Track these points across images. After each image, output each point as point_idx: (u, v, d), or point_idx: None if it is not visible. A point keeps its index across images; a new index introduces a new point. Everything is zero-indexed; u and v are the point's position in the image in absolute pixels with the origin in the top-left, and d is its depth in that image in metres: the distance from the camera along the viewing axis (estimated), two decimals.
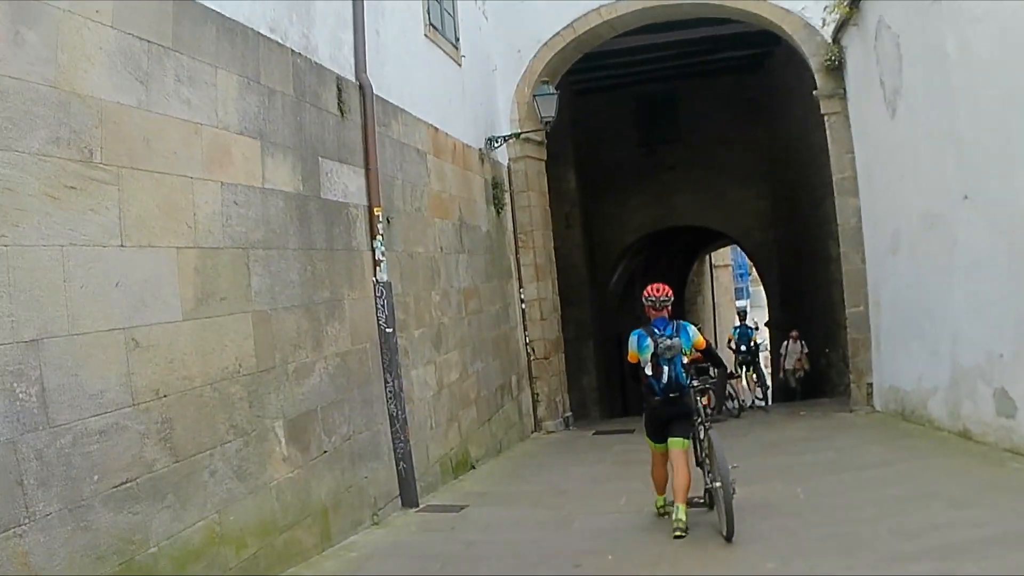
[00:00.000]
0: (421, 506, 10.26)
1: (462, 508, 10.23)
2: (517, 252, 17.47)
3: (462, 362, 13.17)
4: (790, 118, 22.58)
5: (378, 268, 10.13)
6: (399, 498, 10.07)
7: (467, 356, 13.48)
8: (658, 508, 8.68)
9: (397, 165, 11.44)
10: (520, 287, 17.41)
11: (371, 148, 10.32)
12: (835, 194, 16.11)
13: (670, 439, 8.04)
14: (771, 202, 26.80)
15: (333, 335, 9.00)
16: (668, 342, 7.87)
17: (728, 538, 7.39)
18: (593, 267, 26.41)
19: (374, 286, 10.07)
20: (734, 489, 7.44)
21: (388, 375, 10.04)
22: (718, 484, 7.55)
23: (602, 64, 23.50)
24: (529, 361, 17.44)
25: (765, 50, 24.17)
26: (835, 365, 19.69)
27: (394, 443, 10.08)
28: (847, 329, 16.18)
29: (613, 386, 27.67)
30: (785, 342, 19.56)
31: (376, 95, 10.68)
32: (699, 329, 8.52)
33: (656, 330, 8.00)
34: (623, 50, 22.07)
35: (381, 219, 10.26)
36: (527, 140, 17.75)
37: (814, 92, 16.35)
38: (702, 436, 8.25)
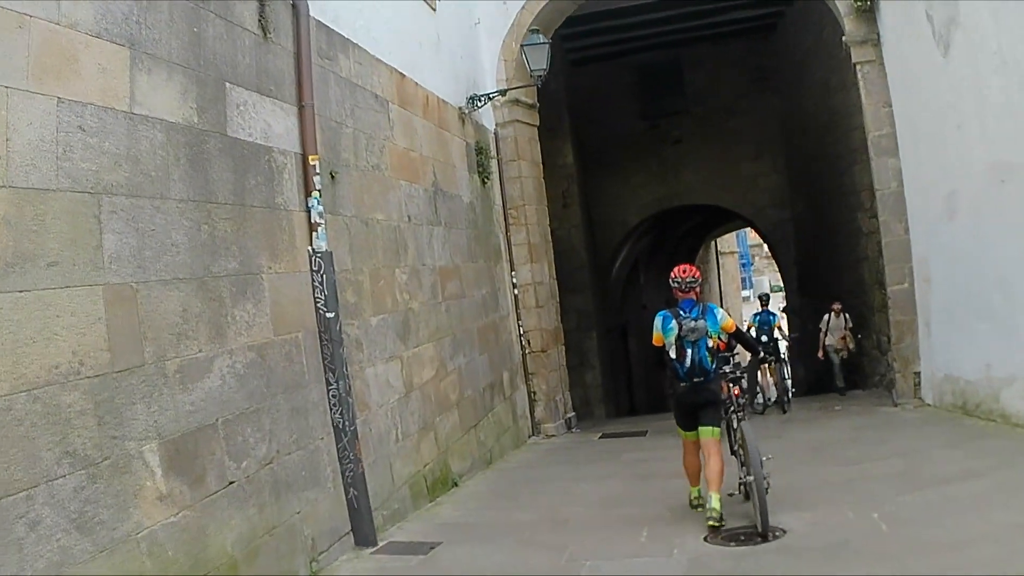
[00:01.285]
0: (380, 544, 7.88)
1: (433, 547, 7.79)
2: (507, 230, 15.08)
3: (438, 357, 10.74)
4: (807, 82, 20.25)
5: (315, 234, 7.69)
6: (351, 534, 7.67)
7: (445, 349, 11.06)
8: (692, 501, 8.30)
9: (346, 110, 9.03)
10: (512, 270, 14.99)
11: (306, 81, 7.91)
12: (871, 155, 13.88)
13: (700, 428, 7.78)
14: (787, 176, 24.40)
15: (244, 321, 6.58)
16: (692, 324, 7.57)
17: (763, 534, 7.04)
18: (594, 251, 24.07)
19: (310, 257, 7.65)
20: (768, 483, 7.24)
21: (331, 375, 7.62)
22: (751, 478, 7.28)
23: (599, 27, 21.28)
24: (524, 355, 15.03)
25: (776, 9, 22.01)
26: (868, 353, 17.33)
27: (341, 464, 7.67)
28: (888, 311, 13.96)
29: (619, 382, 25.35)
30: (826, 316, 16.79)
31: (317, 20, 8.40)
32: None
33: (682, 312, 7.69)
34: (623, 10, 20.04)
35: (319, 171, 7.83)
36: (516, 103, 15.37)
37: (843, 38, 13.95)
38: (735, 426, 8.06)
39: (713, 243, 43.68)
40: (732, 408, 8.08)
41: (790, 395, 16.10)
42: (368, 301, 8.78)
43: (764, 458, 7.36)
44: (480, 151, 14.04)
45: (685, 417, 7.96)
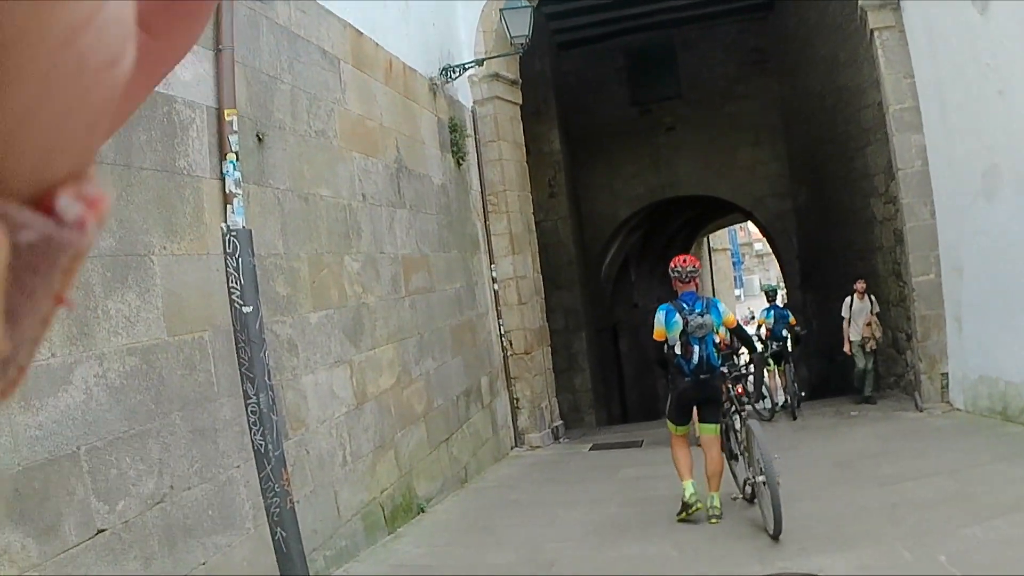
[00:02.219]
0: None
1: None
2: (486, 217, 13.49)
3: (400, 361, 9.15)
4: (811, 61, 18.73)
5: (230, 207, 6.08)
6: None
7: (409, 352, 9.47)
8: (687, 501, 7.63)
9: (283, 63, 7.42)
10: (491, 262, 13.40)
11: (225, 19, 6.29)
12: (891, 132, 12.48)
13: (701, 425, 7.72)
14: (788, 164, 22.85)
15: (123, 316, 4.98)
16: (700, 319, 7.39)
17: (775, 536, 6.70)
18: (583, 245, 22.48)
19: (223, 236, 6.03)
20: (778, 481, 6.77)
21: (249, 385, 6.01)
22: (762, 478, 6.94)
23: (587, 5, 19.81)
24: (505, 357, 13.44)
25: None
26: (882, 351, 15.78)
27: (265, 497, 6.07)
28: (910, 305, 12.49)
29: (611, 386, 23.72)
30: (847, 300, 14.45)
31: None
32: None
33: (685, 305, 7.50)
34: None
35: (237, 129, 6.21)
36: (496, 77, 13.78)
37: (859, 3, 12.53)
38: (737, 426, 7.85)
39: (706, 240, 42.25)
40: (734, 408, 7.93)
41: (800, 399, 14.47)
42: (306, 293, 7.18)
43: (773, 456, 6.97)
44: (454, 129, 12.46)
45: (682, 412, 7.81)
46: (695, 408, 7.78)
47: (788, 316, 15.03)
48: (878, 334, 14.32)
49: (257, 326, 6.03)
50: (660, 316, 7.60)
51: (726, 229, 48.84)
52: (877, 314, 14.27)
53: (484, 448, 11.84)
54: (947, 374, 12.03)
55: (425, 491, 9.28)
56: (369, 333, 8.34)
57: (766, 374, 15.17)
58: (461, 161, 12.61)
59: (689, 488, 7.65)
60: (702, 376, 7.48)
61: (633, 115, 24.10)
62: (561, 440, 14.23)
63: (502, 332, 13.38)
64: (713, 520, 7.41)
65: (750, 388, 14.97)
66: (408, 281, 9.64)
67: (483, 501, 9.83)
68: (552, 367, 14.82)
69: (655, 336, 7.67)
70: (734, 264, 63.65)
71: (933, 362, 12.11)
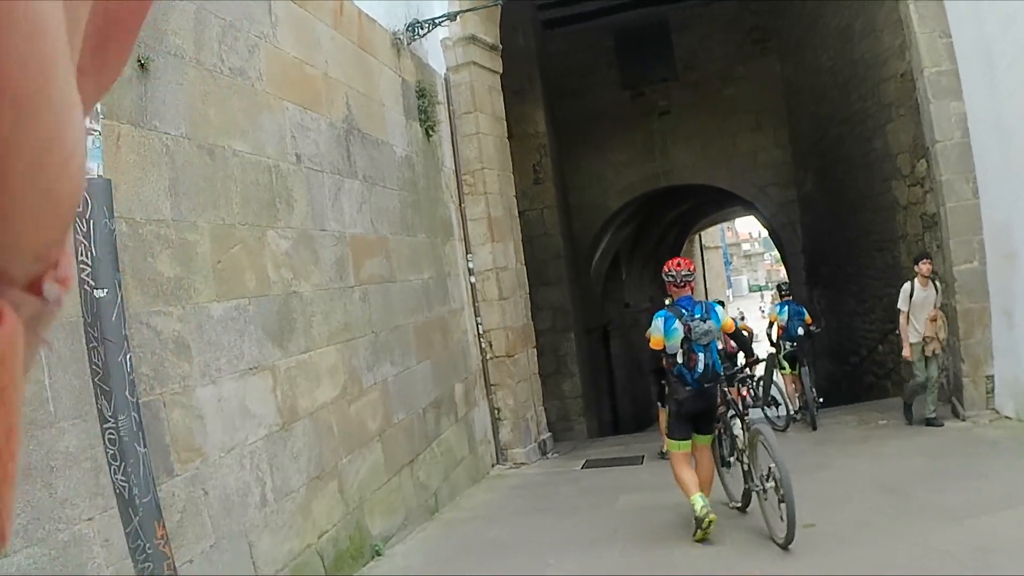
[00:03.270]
0: None
1: None
2: (461, 199, 11.72)
3: (346, 366, 7.32)
4: (821, 36, 17.06)
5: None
6: None
7: (360, 355, 7.64)
8: (699, 516, 6.95)
9: None
10: (467, 251, 11.61)
11: None
12: (926, 100, 10.80)
13: (696, 436, 7.33)
14: (792, 150, 21.18)
15: None
16: (704, 326, 7.04)
17: (786, 545, 6.34)
18: (571, 238, 20.74)
19: None
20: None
21: (106, 402, 4.19)
22: (771, 484, 6.62)
23: None
24: (484, 361, 11.66)
25: None
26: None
27: (134, 558, 4.24)
28: (953, 297, 10.83)
29: (601, 391, 21.95)
30: (906, 286, 10.91)
31: None
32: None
33: (684, 311, 7.12)
34: None
35: None
36: (473, 40, 12.03)
37: None
38: (736, 431, 7.55)
39: (698, 237, 40.87)
40: (731, 412, 7.65)
41: (818, 407, 12.64)
42: (206, 276, 5.36)
43: None
44: (423, 94, 10.68)
45: (686, 425, 7.31)
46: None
47: (804, 313, 13.21)
48: (943, 334, 10.79)
49: (115, 317, 4.21)
50: (658, 323, 7.24)
51: (718, 227, 47.63)
52: (942, 307, 10.97)
53: (459, 469, 10.06)
54: (993, 377, 10.41)
55: (382, 528, 7.49)
56: (302, 331, 6.52)
57: (780, 379, 13.35)
58: (431, 132, 10.84)
59: (699, 502, 7.08)
60: (706, 385, 7.14)
61: (625, 99, 22.54)
62: (549, 455, 12.47)
63: (480, 332, 11.60)
64: (711, 518, 6.89)
65: (754, 391, 13.47)
66: (359, 268, 7.83)
67: (455, 540, 7.99)
68: (538, 371, 13.00)
69: (652, 345, 7.33)
70: (724, 264, 62.56)
71: (977, 363, 10.47)
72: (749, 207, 24.88)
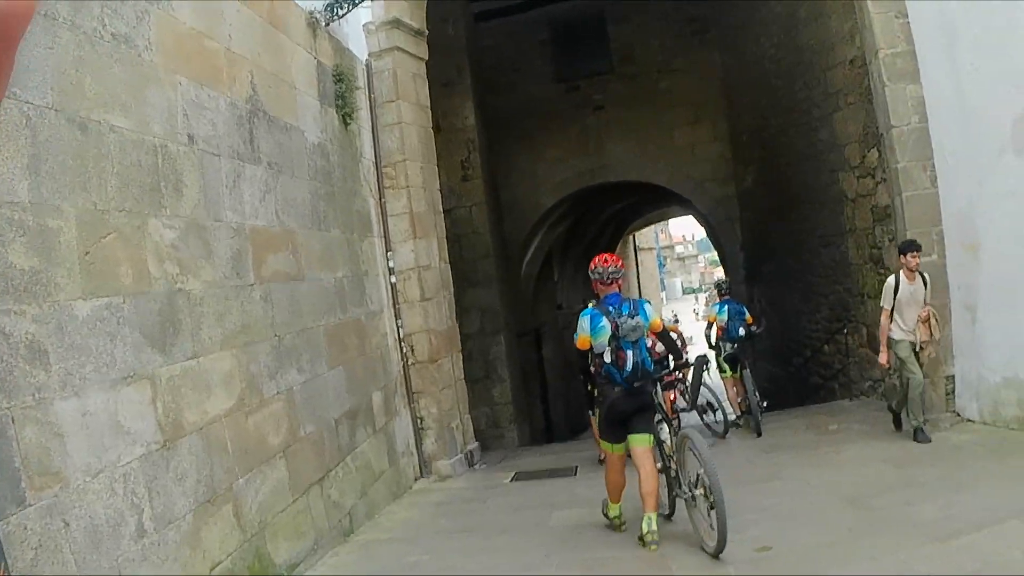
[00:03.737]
0: None
1: None
2: (382, 194, 11.09)
3: (244, 374, 6.64)
4: (762, 23, 16.79)
5: None
6: None
7: (261, 361, 6.96)
8: (612, 518, 7.52)
9: None
10: (387, 249, 10.98)
11: None
12: (881, 84, 10.40)
13: (632, 436, 7.08)
14: (731, 144, 20.95)
15: None
16: (631, 322, 6.92)
17: (717, 554, 6.19)
18: (502, 237, 20.24)
19: None
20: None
21: None
22: (700, 491, 6.47)
23: None
24: (406, 367, 11.04)
25: None
26: (852, 352, 13.71)
27: None
28: None
29: (533, 397, 21.41)
30: (891, 280, 9.75)
31: None
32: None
33: (611, 308, 7.01)
34: None
35: None
36: (397, 25, 11.46)
37: None
38: (664, 436, 7.48)
39: (632, 237, 40.57)
40: (662, 418, 7.65)
41: (762, 411, 12.18)
42: (71, 269, 4.66)
43: None
44: (341, 79, 10.04)
45: (617, 426, 7.18)
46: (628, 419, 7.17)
47: (745, 312, 12.77)
48: (939, 334, 9.65)
49: None
50: (584, 322, 7.14)
51: (652, 228, 47.35)
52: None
53: (378, 484, 9.43)
54: (954, 377, 10.04)
55: (288, 555, 6.83)
56: (189, 334, 5.83)
57: (723, 383, 12.88)
58: (349, 120, 10.19)
59: (615, 510, 7.49)
60: (636, 384, 6.97)
61: (558, 93, 22.11)
62: (477, 467, 11.90)
63: (401, 335, 10.98)
64: (652, 547, 6.76)
65: (682, 395, 12.98)
66: (261, 263, 7.16)
67: (371, 565, 7.32)
68: (465, 377, 12.41)
69: (579, 344, 7.26)
70: (658, 266, 62.54)
71: (936, 363, 10.06)
72: (686, 205, 24.51)
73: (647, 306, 7.22)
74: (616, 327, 6.91)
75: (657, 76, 21.38)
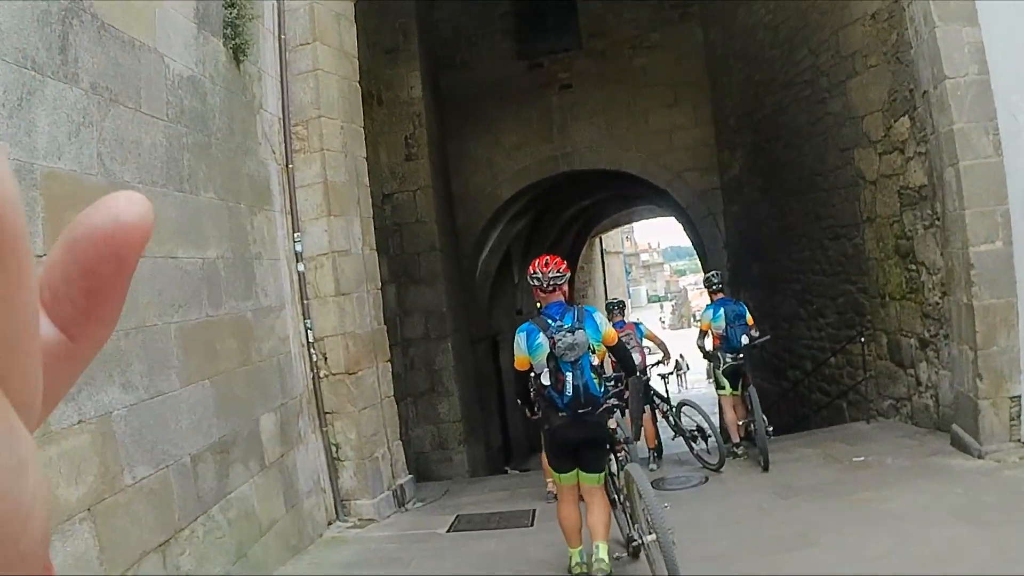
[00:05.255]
0: None
1: None
2: (289, 158, 8.74)
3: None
4: None
5: None
6: None
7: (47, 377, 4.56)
8: (573, 568, 6.39)
9: None
10: (295, 229, 8.62)
11: None
12: (929, 24, 8.30)
13: (583, 474, 6.17)
14: (716, 129, 18.73)
15: None
16: (570, 338, 5.94)
17: None
18: (454, 233, 17.98)
19: None
20: (673, 540, 5.56)
21: None
22: (652, 537, 5.72)
23: None
24: (316, 380, 8.65)
25: None
26: (871, 365, 11.49)
27: None
28: (970, 289, 8.23)
29: (490, 411, 19.17)
30: None
31: None
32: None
33: (551, 321, 6.06)
34: None
35: None
36: None
37: None
38: (615, 469, 6.58)
39: (598, 241, 38.51)
40: (609, 448, 6.52)
41: (769, 439, 9.88)
42: None
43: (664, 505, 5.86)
44: (232, 3, 7.70)
45: (564, 457, 6.17)
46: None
47: (745, 313, 10.44)
48: None
49: None
50: (520, 339, 6.22)
51: (619, 232, 45.43)
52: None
53: (268, 538, 7.06)
54: (1021, 398, 7.94)
55: None
56: None
57: (720, 402, 10.57)
58: (242, 56, 7.87)
59: (576, 557, 6.41)
60: (580, 411, 6.01)
61: (519, 71, 19.86)
62: (409, 506, 9.56)
63: (311, 339, 8.61)
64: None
65: (674, 420, 10.79)
66: (60, 224, 4.79)
67: None
68: (393, 394, 9.99)
69: (516, 365, 6.29)
70: (624, 272, 60.81)
71: (999, 380, 8.04)
72: (659, 201, 22.36)
73: (597, 316, 6.25)
74: (554, 344, 5.98)
75: (631, 53, 19.22)
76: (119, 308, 0.38)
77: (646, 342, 11.09)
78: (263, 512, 7.12)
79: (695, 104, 18.86)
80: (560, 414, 6.05)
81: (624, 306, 11.91)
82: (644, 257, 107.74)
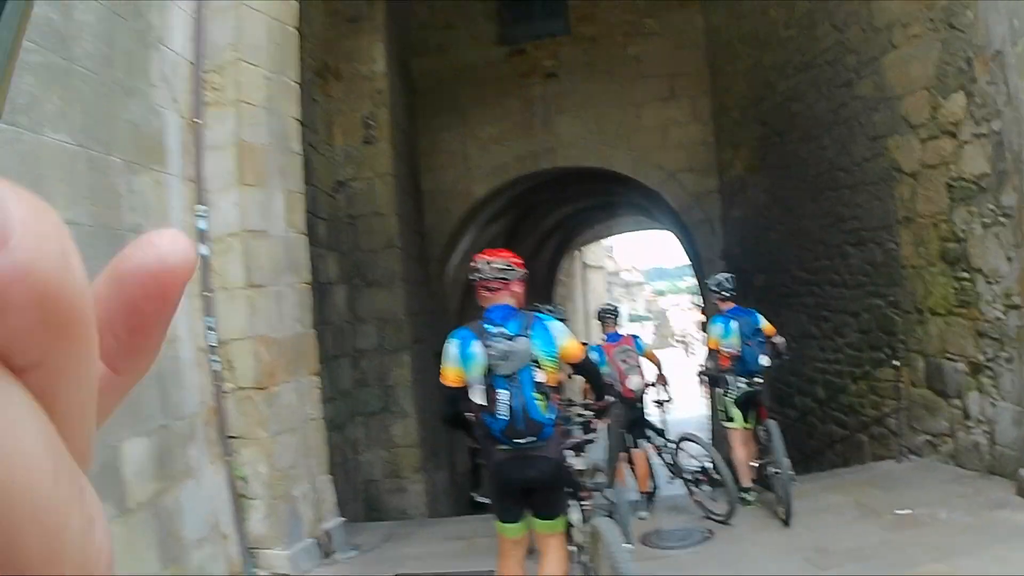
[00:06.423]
0: None
1: None
2: (197, 110, 6.95)
3: None
4: None
5: None
6: None
7: None
8: None
9: None
10: (197, 200, 6.82)
11: None
12: None
13: (536, 521, 5.07)
14: (717, 126, 17.28)
15: None
16: (506, 345, 4.78)
17: None
18: (420, 232, 16.32)
19: None
20: None
21: None
22: None
23: None
24: (218, 396, 6.82)
25: None
26: (905, 393, 9.73)
27: None
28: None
29: (455, 433, 17.26)
30: None
31: None
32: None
33: (490, 328, 4.90)
34: None
35: None
36: None
37: None
38: (575, 518, 5.33)
39: (578, 253, 37.01)
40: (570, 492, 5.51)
41: (791, 484, 8.09)
42: None
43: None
44: None
45: (507, 500, 5.01)
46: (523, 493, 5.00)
47: (759, 321, 8.67)
48: None
49: None
50: (450, 347, 4.93)
51: (602, 242, 44.00)
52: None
53: None
54: None
55: None
56: None
57: (729, 437, 8.77)
58: None
59: None
60: (520, 441, 4.76)
61: (500, 56, 18.38)
62: (339, 555, 7.73)
63: (215, 343, 6.79)
64: None
65: (672, 459, 8.94)
66: None
67: None
68: (322, 415, 8.14)
69: (445, 380, 4.94)
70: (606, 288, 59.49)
71: None
72: (649, 208, 20.84)
73: (555, 326, 5.07)
74: (487, 355, 4.93)
75: (624, 40, 17.72)
76: (161, 341, 0.38)
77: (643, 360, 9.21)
78: (121, 572, 5.31)
79: (693, 98, 17.37)
80: (500, 447, 4.92)
81: (619, 314, 9.98)
82: (625, 276, 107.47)
